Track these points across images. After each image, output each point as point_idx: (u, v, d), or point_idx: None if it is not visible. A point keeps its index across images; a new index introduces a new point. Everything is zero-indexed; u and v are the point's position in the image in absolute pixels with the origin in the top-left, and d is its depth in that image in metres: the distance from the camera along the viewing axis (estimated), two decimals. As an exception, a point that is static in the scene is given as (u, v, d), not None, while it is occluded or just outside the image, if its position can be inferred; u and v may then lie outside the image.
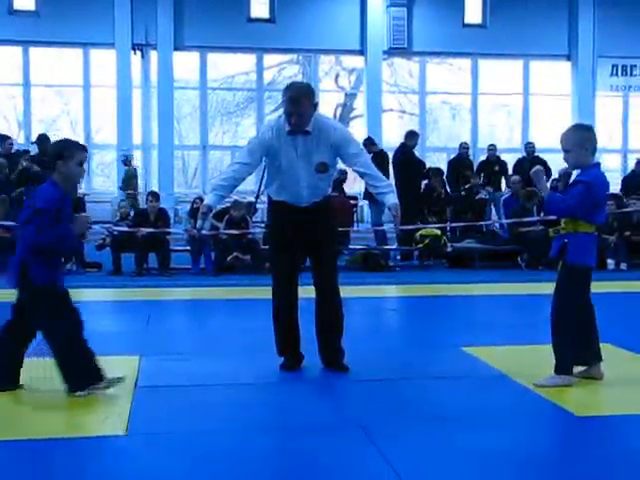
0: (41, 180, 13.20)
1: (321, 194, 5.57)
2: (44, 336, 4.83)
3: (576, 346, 5.19)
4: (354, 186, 16.91)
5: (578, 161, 5.12)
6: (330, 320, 5.61)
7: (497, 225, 14.45)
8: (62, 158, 4.79)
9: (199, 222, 5.87)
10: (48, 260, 4.77)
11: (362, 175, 5.61)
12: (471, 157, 17.31)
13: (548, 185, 5.47)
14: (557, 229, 5.17)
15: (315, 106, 5.42)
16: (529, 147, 16.31)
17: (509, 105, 22.54)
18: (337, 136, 5.44)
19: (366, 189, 14.05)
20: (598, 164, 5.23)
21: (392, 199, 5.51)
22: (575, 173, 5.25)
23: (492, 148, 16.42)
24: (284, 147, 5.40)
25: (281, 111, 5.53)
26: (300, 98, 5.31)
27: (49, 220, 4.68)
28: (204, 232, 12.14)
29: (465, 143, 16.71)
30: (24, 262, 4.74)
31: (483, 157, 17.33)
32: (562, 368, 5.13)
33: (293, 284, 5.59)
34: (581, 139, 5.09)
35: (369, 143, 14.13)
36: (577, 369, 5.30)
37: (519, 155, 16.76)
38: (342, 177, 14.24)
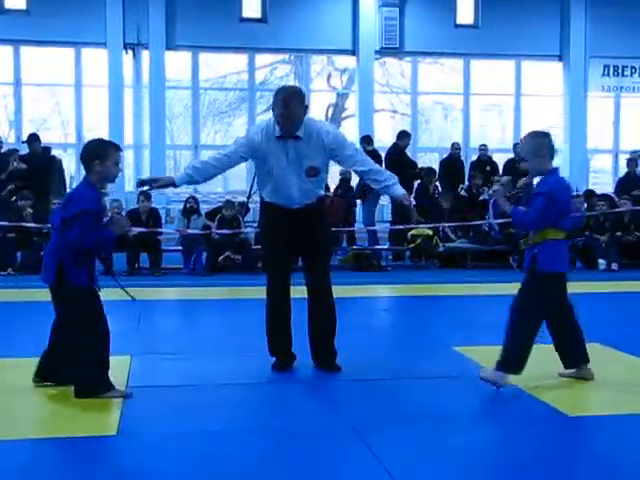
0: (31, 179, 13.15)
1: (313, 196, 5.56)
2: (66, 336, 4.82)
3: (567, 349, 5.19)
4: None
5: (535, 169, 5.09)
6: (323, 320, 5.60)
7: (488, 225, 14.43)
8: (99, 158, 4.81)
9: (147, 184, 5.51)
10: (86, 261, 4.78)
11: (363, 173, 5.58)
12: (462, 158, 17.30)
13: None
14: (527, 240, 5.13)
15: (305, 109, 5.40)
16: (518, 147, 16.30)
17: (501, 105, 22.55)
18: (330, 140, 5.41)
19: (357, 188, 14.10)
20: (556, 169, 5.15)
21: (399, 190, 5.46)
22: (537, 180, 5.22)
23: (483, 148, 16.42)
24: (274, 151, 5.38)
25: (271, 113, 5.50)
26: (292, 101, 5.28)
27: (94, 222, 4.71)
28: (195, 231, 12.14)
29: (457, 143, 16.71)
30: (61, 262, 4.74)
31: (475, 157, 17.31)
32: (508, 366, 5.05)
33: (287, 284, 5.59)
34: (536, 146, 5.05)
35: (365, 142, 14.12)
36: (568, 371, 5.30)
37: (512, 155, 16.76)
38: (348, 176, 14.24)
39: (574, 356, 5.26)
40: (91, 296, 4.82)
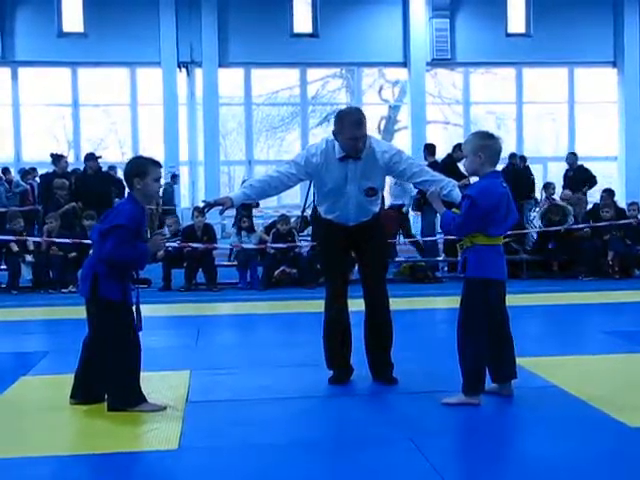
0: (88, 197, 13.34)
1: (370, 213, 5.60)
2: (98, 349, 4.90)
3: (487, 362, 5.01)
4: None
5: (471, 168, 4.99)
6: (379, 333, 5.63)
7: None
8: (139, 175, 4.90)
9: (208, 203, 5.63)
10: (120, 275, 4.87)
11: (421, 184, 5.61)
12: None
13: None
14: (461, 244, 5.01)
15: None
16: (571, 158, 16.03)
17: (554, 113, 22.38)
18: (386, 160, 5.45)
19: (414, 200, 14.06)
20: (492, 173, 4.95)
21: (457, 196, 5.36)
22: None
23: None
24: (333, 173, 5.43)
25: (326, 135, 5.56)
26: (363, 123, 5.34)
27: (128, 237, 4.78)
28: (249, 246, 12.25)
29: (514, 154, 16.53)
30: (96, 274, 4.83)
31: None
32: (469, 388, 4.93)
33: (344, 297, 5.64)
34: (475, 146, 4.91)
35: (428, 152, 14.03)
36: (491, 386, 5.13)
37: (566, 164, 16.59)
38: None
39: (498, 370, 5.09)
40: (122, 310, 4.88)
